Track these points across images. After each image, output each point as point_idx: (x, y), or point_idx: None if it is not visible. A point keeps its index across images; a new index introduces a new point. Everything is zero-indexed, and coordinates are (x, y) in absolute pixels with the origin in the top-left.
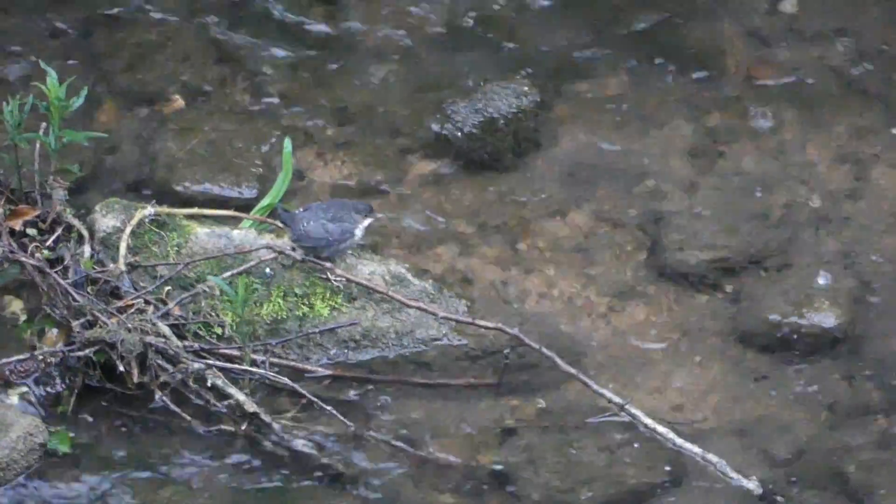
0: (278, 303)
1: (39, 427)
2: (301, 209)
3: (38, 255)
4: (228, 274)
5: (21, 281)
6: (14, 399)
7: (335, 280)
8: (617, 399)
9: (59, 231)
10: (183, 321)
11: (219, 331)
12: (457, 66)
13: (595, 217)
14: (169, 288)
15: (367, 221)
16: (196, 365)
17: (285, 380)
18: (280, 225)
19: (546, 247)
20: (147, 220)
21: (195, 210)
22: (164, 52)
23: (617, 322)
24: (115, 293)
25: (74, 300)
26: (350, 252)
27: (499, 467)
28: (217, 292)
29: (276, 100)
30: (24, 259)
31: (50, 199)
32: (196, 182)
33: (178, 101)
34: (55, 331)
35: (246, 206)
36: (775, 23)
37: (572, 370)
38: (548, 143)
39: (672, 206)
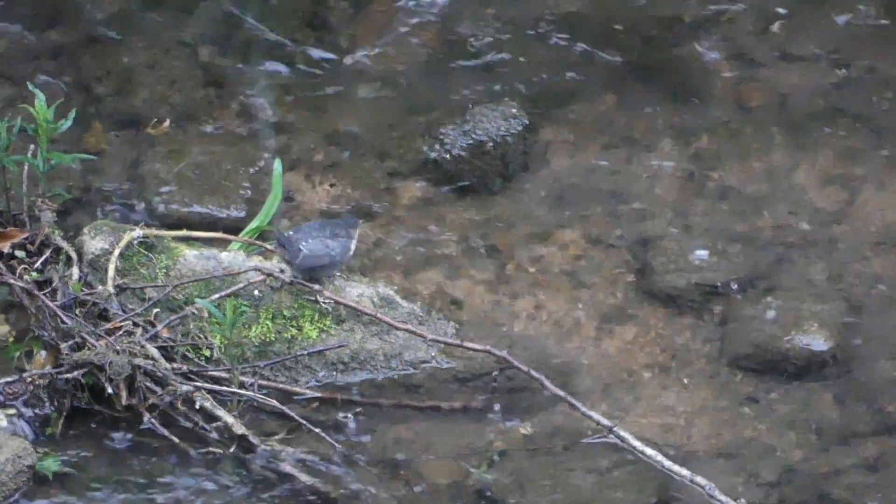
0: (267, 325)
1: (28, 449)
2: (291, 231)
3: (26, 277)
4: (217, 296)
5: (9, 303)
6: (2, 421)
7: (324, 302)
8: (605, 422)
9: (47, 253)
10: (171, 343)
11: (207, 353)
12: (445, 88)
13: (583, 239)
14: (157, 310)
15: (357, 232)
16: (184, 387)
17: (274, 402)
18: (270, 247)
19: (534, 269)
20: (135, 242)
21: (183, 232)
22: (152, 75)
23: (605, 344)
24: (104, 315)
25: (63, 322)
26: (339, 274)
27: (487, 490)
28: (205, 314)
29: (264, 123)
30: (12, 281)
31: (38, 222)
32: (184, 204)
33: (165, 124)
34: (43, 353)
35: (234, 228)
36: (763, 45)
37: (560, 393)
38: (536, 165)
39: (660, 228)
